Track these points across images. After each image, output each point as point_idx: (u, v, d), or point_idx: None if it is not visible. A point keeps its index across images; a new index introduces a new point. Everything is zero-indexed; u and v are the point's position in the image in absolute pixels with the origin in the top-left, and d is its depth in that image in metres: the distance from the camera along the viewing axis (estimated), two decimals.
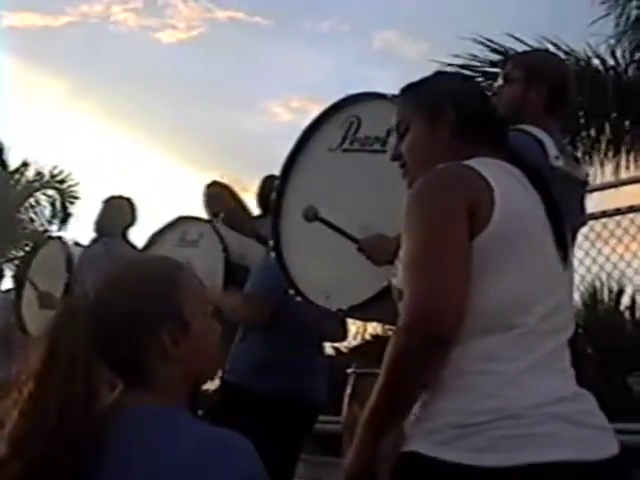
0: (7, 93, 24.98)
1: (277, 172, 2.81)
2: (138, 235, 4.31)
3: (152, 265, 1.50)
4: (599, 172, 7.01)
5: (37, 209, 15.84)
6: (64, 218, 15.63)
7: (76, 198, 15.63)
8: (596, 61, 7.00)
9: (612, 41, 7.04)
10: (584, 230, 4.11)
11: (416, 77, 1.73)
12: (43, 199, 15.83)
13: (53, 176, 15.71)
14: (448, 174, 1.49)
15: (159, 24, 25.60)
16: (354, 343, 6.40)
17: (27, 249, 12.07)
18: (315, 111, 2.76)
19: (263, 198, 3.58)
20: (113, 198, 4.50)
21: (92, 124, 24.43)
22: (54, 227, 15.54)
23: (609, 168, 7.03)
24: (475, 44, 6.94)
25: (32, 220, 15.72)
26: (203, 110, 21.59)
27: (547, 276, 1.48)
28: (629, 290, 6.01)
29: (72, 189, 15.64)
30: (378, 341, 5.74)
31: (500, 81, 2.67)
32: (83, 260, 4.34)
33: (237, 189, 4.10)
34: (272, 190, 2.81)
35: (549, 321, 1.45)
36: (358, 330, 6.25)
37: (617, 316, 6.24)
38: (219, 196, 3.93)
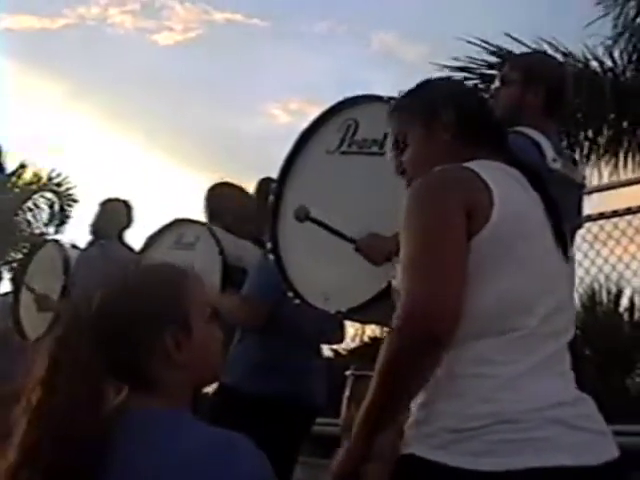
0: (4, 95, 24.98)
1: (275, 174, 2.80)
2: (137, 237, 4.32)
3: (156, 270, 1.52)
4: (597, 174, 7.03)
5: (35, 212, 15.84)
6: (62, 221, 15.63)
7: (74, 201, 15.63)
8: (594, 63, 7.02)
9: (610, 42, 7.05)
10: (582, 232, 4.13)
11: (415, 79, 1.73)
12: (41, 202, 15.83)
13: (50, 179, 15.70)
14: (446, 175, 1.49)
15: (156, 26, 25.54)
16: (352, 345, 6.41)
17: (25, 252, 12.05)
18: (314, 113, 2.76)
19: (260, 200, 3.57)
20: (109, 200, 4.50)
21: (90, 126, 24.46)
22: (52, 230, 15.53)
23: (607, 170, 7.05)
24: (473, 46, 6.95)
25: (30, 223, 15.71)
26: (201, 112, 21.59)
27: (547, 277, 1.48)
28: (627, 292, 6.02)
29: (70, 192, 15.64)
30: (376, 343, 5.73)
31: (497, 83, 2.67)
32: (80, 262, 4.35)
33: None
34: (269, 192, 2.80)
35: (549, 323, 1.45)
36: (357, 332, 6.25)
37: (615, 318, 6.25)
38: (232, 195, 3.77)
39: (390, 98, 2.51)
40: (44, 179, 15.83)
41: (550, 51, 6.57)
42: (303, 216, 2.49)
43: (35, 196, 15.79)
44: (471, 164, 1.49)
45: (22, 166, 15.94)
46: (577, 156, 6.76)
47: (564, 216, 1.59)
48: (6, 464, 1.28)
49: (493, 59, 6.96)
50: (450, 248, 1.39)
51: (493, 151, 1.59)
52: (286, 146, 2.77)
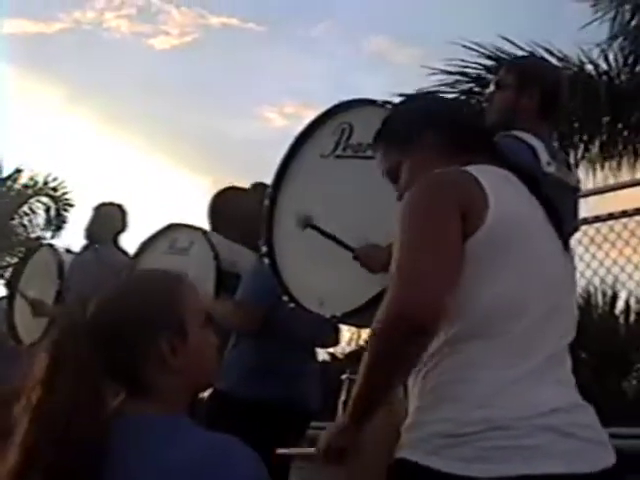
0: (1, 99, 24.97)
1: (270, 178, 2.80)
2: (134, 240, 4.30)
3: (151, 276, 1.55)
4: (592, 176, 7.04)
5: (31, 216, 15.82)
6: (59, 226, 15.62)
7: (70, 205, 15.62)
8: (589, 66, 7.03)
9: (605, 45, 7.07)
10: (577, 235, 4.12)
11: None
12: (37, 206, 15.81)
13: (46, 183, 15.69)
14: (442, 177, 1.49)
15: (152, 30, 25.59)
16: (348, 349, 6.41)
17: (20, 256, 12.03)
18: (309, 117, 2.77)
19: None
20: (104, 205, 4.49)
21: (88, 130, 24.43)
22: (49, 234, 15.52)
23: (602, 172, 7.06)
24: (466, 49, 6.96)
25: (26, 227, 15.69)
26: (197, 116, 21.60)
27: (545, 279, 1.47)
28: (623, 295, 6.04)
29: (66, 196, 15.63)
30: None
31: (492, 87, 2.67)
32: (74, 267, 4.34)
33: None
34: (262, 197, 2.80)
35: (547, 326, 1.44)
36: (352, 336, 6.25)
37: (611, 320, 6.27)
38: (241, 199, 3.64)
39: (385, 102, 2.52)
40: (40, 183, 15.82)
41: (545, 54, 6.58)
42: (306, 224, 2.50)
43: (31, 200, 15.77)
44: (467, 167, 1.50)
45: (18, 170, 15.93)
46: (572, 159, 6.77)
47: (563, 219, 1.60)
48: (6, 464, 1.28)
49: (488, 62, 6.96)
50: (443, 245, 1.39)
51: (484, 157, 1.59)
52: (282, 149, 2.78)
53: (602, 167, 7.02)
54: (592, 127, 6.94)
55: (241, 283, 3.19)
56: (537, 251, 1.48)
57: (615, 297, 6.15)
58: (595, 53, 7.06)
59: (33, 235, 15.39)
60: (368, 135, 2.50)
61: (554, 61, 6.46)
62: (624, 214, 4.71)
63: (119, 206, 4.51)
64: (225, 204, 3.65)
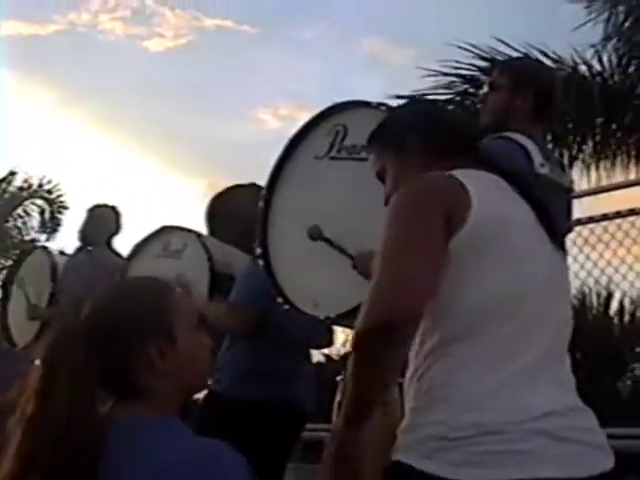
0: None
1: (265, 180, 2.80)
2: (128, 243, 4.30)
3: (141, 283, 1.58)
4: (586, 177, 7.04)
5: (25, 219, 15.79)
6: (54, 229, 15.59)
7: (65, 208, 15.59)
8: (583, 67, 7.04)
9: (599, 47, 7.08)
10: (572, 236, 4.13)
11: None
12: (32, 209, 15.78)
13: (41, 185, 15.66)
14: (425, 181, 1.51)
15: (147, 32, 25.52)
16: (344, 350, 6.40)
17: (15, 258, 12.01)
18: (304, 118, 2.76)
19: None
20: (97, 207, 4.49)
21: (82, 133, 24.39)
22: (43, 237, 15.49)
23: (596, 173, 7.07)
24: (461, 50, 6.96)
25: (20, 230, 15.66)
26: (192, 118, 21.56)
27: (535, 281, 1.47)
28: (617, 295, 6.04)
29: (61, 199, 15.60)
30: None
31: (486, 88, 2.68)
32: (67, 269, 4.34)
33: None
34: (257, 198, 2.80)
35: (537, 327, 1.44)
36: (347, 337, 6.24)
37: (606, 321, 6.28)
38: (240, 200, 3.51)
39: (379, 103, 2.52)
40: (35, 186, 15.79)
41: (539, 55, 6.58)
42: (316, 235, 2.50)
43: (25, 203, 15.74)
44: (453, 172, 1.51)
45: (12, 173, 15.89)
46: (566, 160, 6.78)
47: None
48: (2, 470, 1.29)
49: (482, 63, 6.97)
50: (427, 250, 1.40)
51: (471, 161, 1.60)
52: (276, 151, 2.78)
53: (596, 168, 7.02)
54: (586, 128, 6.94)
55: (235, 285, 3.19)
56: (526, 253, 1.48)
57: (609, 298, 6.16)
58: (589, 54, 7.08)
59: (27, 238, 15.36)
60: (362, 137, 2.50)
61: (548, 62, 6.47)
62: (618, 215, 4.71)
63: (113, 208, 4.50)
64: (225, 206, 3.65)
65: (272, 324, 3.03)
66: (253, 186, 3.35)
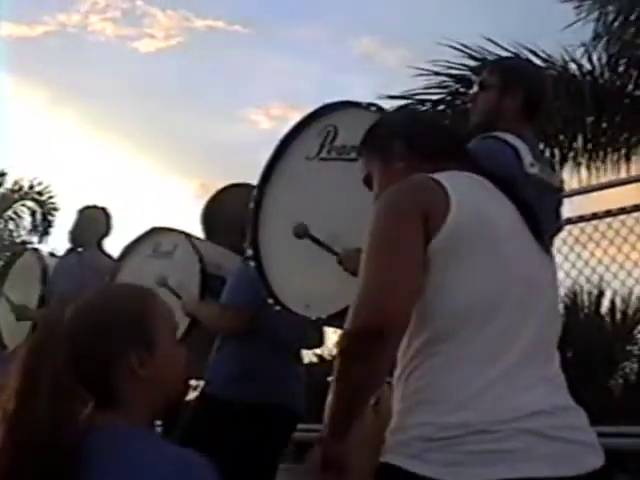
0: None
1: (257, 180, 2.80)
2: (119, 244, 4.29)
3: (126, 289, 1.61)
4: (576, 176, 7.06)
5: (17, 220, 15.75)
6: (45, 230, 15.56)
7: (56, 210, 15.57)
8: (573, 66, 7.05)
9: (589, 45, 7.10)
10: (562, 235, 4.14)
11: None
12: (23, 210, 15.75)
13: (32, 187, 15.63)
14: (405, 184, 1.52)
15: (137, 33, 25.55)
16: (335, 351, 6.39)
17: (5, 260, 11.97)
18: (296, 118, 2.77)
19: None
20: (88, 208, 4.47)
21: (73, 134, 24.33)
22: (35, 239, 15.47)
23: (586, 172, 7.08)
24: (453, 50, 6.97)
25: (11, 231, 15.63)
26: (183, 119, 21.56)
27: (520, 281, 1.47)
28: (608, 294, 6.05)
29: (52, 200, 15.57)
30: None
31: (476, 88, 2.68)
32: (58, 270, 4.33)
33: None
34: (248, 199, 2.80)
35: (522, 326, 1.44)
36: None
37: (597, 320, 6.28)
38: (234, 201, 3.48)
39: (369, 104, 2.52)
40: (25, 187, 15.75)
41: (529, 55, 6.60)
42: (303, 233, 2.50)
43: (16, 204, 15.70)
44: (434, 174, 1.52)
45: (2, 174, 15.86)
46: (557, 159, 6.80)
47: (541, 219, 1.60)
48: None
49: (473, 63, 6.98)
50: (403, 250, 1.42)
51: (455, 163, 1.61)
52: (268, 152, 2.78)
53: (587, 167, 7.04)
54: (576, 127, 6.95)
55: (226, 286, 3.19)
56: (510, 253, 1.48)
57: (600, 296, 6.16)
58: (579, 53, 7.10)
59: (19, 239, 15.33)
60: (352, 137, 2.51)
61: (538, 62, 6.48)
62: (608, 214, 4.72)
63: (103, 209, 4.49)
64: (220, 208, 3.64)
65: (263, 325, 3.03)
66: (247, 187, 3.35)
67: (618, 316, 6.28)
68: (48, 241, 15.28)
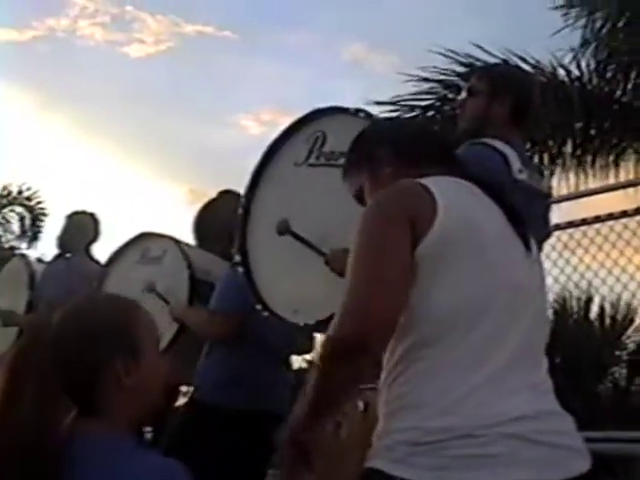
0: None
1: (245, 186, 2.79)
2: (108, 249, 4.27)
3: (112, 299, 1.62)
4: (565, 182, 7.08)
5: (5, 226, 15.69)
6: (35, 236, 15.50)
7: (45, 215, 15.50)
8: (562, 72, 7.08)
9: (578, 52, 7.13)
10: (551, 240, 4.14)
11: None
12: (11, 216, 15.68)
13: (20, 192, 15.57)
14: (392, 189, 1.52)
15: (127, 38, 25.55)
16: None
17: None
18: (286, 124, 2.76)
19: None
20: (76, 214, 4.46)
21: (62, 139, 24.27)
22: (23, 244, 15.40)
23: (575, 178, 7.11)
24: (441, 57, 6.99)
25: (0, 237, 15.56)
26: (173, 124, 21.50)
27: (506, 286, 1.47)
28: (597, 299, 6.08)
29: (40, 206, 15.51)
30: None
31: (464, 94, 2.68)
32: (45, 276, 4.31)
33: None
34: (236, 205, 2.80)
35: (509, 331, 1.44)
36: None
37: (586, 325, 6.31)
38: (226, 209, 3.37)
39: (357, 110, 2.52)
40: (14, 193, 15.69)
41: (518, 61, 6.62)
42: (284, 230, 2.49)
43: (5, 210, 15.64)
44: (422, 179, 1.52)
45: None
46: (545, 165, 6.82)
47: (529, 224, 1.60)
48: None
49: (462, 69, 7.00)
50: (388, 256, 1.41)
51: (443, 169, 1.61)
52: (258, 157, 2.77)
53: (575, 172, 7.07)
54: (565, 132, 6.98)
55: (215, 292, 3.18)
56: (497, 258, 1.48)
57: (589, 302, 6.19)
58: (567, 59, 7.13)
59: (7, 245, 15.26)
60: (341, 143, 2.51)
61: (527, 68, 6.50)
62: (597, 219, 4.74)
63: (92, 215, 4.47)
64: (211, 216, 3.62)
65: (251, 331, 3.02)
66: (239, 194, 3.33)
67: (607, 322, 6.30)
68: (37, 246, 15.22)
